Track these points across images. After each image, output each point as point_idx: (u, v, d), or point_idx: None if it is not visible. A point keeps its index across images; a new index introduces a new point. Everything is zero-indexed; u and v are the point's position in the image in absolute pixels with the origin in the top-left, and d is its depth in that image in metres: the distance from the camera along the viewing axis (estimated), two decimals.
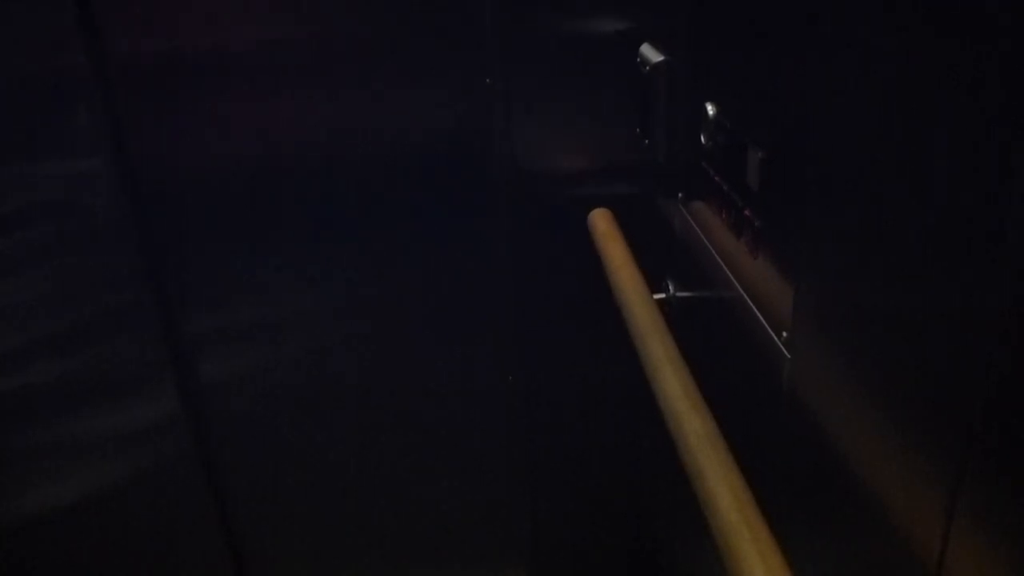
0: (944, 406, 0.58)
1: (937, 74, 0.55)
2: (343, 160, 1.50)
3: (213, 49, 1.39)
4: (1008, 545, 0.53)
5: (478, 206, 1.53)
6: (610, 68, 1.38)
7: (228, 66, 1.40)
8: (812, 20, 0.73)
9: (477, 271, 1.60)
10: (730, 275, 0.98)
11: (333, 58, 1.42)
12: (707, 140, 1.01)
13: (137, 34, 1.36)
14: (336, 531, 1.86)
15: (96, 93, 1.36)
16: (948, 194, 0.55)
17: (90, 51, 1.33)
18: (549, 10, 1.39)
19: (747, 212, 0.91)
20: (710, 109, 0.99)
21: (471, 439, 1.78)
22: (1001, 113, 0.49)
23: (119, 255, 1.50)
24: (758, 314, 0.90)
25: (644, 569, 1.79)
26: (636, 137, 1.33)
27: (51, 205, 1.45)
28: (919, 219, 0.59)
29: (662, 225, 1.29)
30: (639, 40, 1.25)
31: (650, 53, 1.20)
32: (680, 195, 1.19)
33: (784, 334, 0.83)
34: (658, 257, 1.28)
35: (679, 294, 1.24)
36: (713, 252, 1.05)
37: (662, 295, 1.25)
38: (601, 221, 1.29)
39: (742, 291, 0.95)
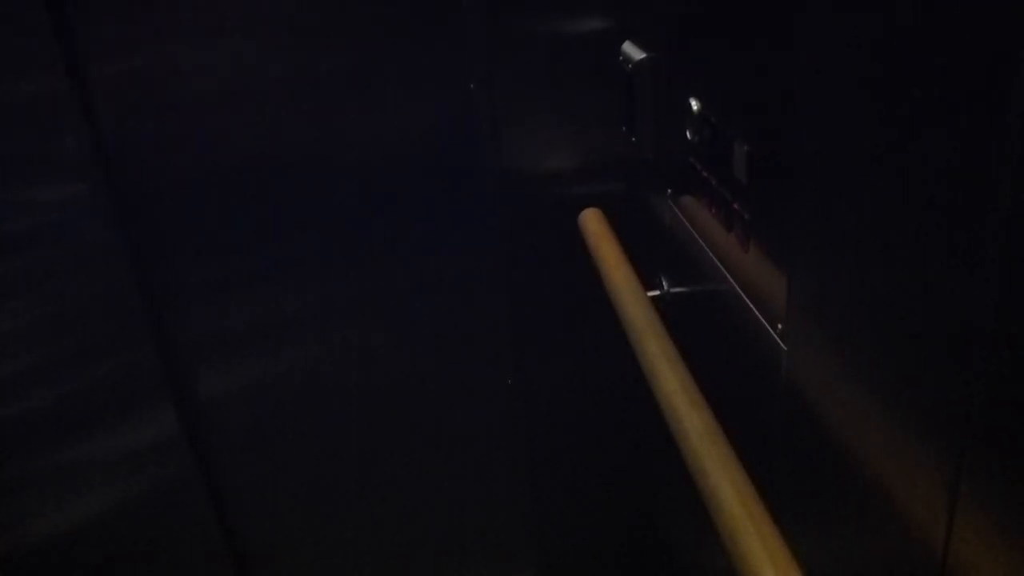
0: (942, 393, 0.58)
1: (924, 63, 0.55)
2: (331, 167, 1.49)
3: (196, 61, 1.39)
4: (1013, 530, 0.52)
5: (468, 209, 1.53)
6: (594, 67, 1.38)
7: (213, 76, 1.40)
8: (794, 10, 0.73)
9: (470, 274, 1.60)
10: (723, 269, 0.98)
11: (319, 63, 1.42)
12: (693, 135, 1.01)
13: (119, 52, 1.35)
14: (339, 537, 1.86)
15: (80, 115, 1.36)
16: (937, 182, 0.55)
17: (72, 73, 1.33)
18: (532, 11, 1.39)
19: (736, 205, 0.91)
20: (694, 104, 0.99)
21: (470, 440, 1.78)
22: (990, 100, 0.49)
23: (110, 277, 1.49)
24: (752, 307, 0.90)
25: (648, 565, 1.79)
26: (623, 135, 1.33)
27: (39, 230, 1.45)
28: (909, 206, 0.59)
29: (653, 222, 1.29)
30: (621, 38, 1.25)
31: (632, 51, 1.20)
32: (669, 191, 1.19)
33: (779, 326, 0.83)
34: (650, 254, 1.28)
35: (673, 290, 1.24)
36: (705, 247, 1.05)
37: (656, 292, 1.25)
38: (592, 220, 1.29)
39: (735, 285, 0.95)
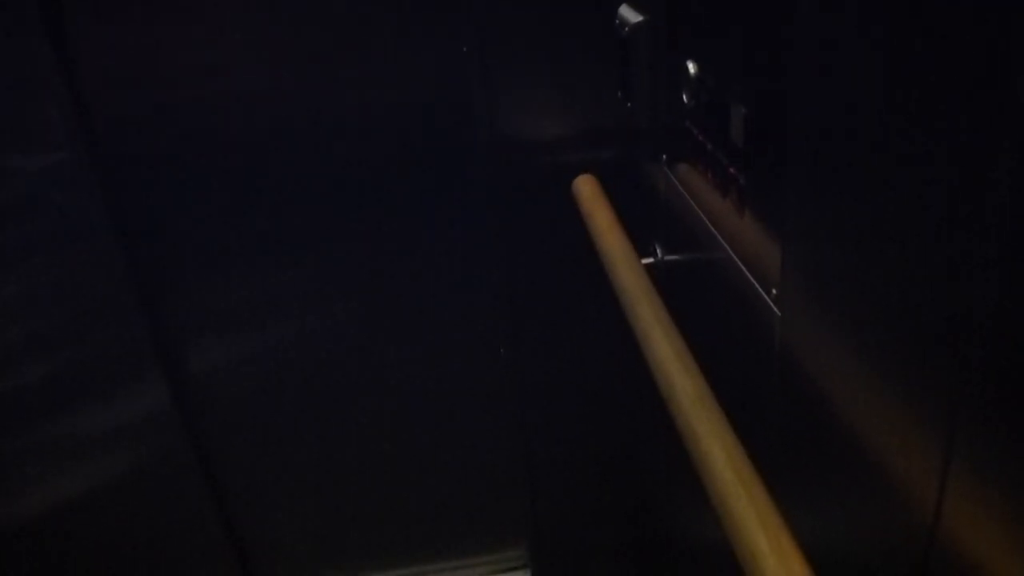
0: (936, 359, 0.57)
1: (929, 25, 0.54)
2: (323, 136, 1.48)
3: (184, 32, 1.37)
4: (1003, 497, 0.52)
5: (461, 177, 1.52)
6: (589, 31, 1.36)
7: (200, 48, 1.38)
8: None
9: (463, 243, 1.59)
10: (717, 235, 0.97)
11: (309, 28, 1.39)
12: (689, 99, 0.99)
13: (104, 21, 1.33)
14: (330, 510, 1.86)
15: (64, 84, 1.34)
16: (935, 147, 0.54)
17: (55, 40, 1.31)
18: None
19: (732, 170, 0.89)
20: (691, 68, 0.97)
21: (464, 410, 1.78)
22: (998, 60, 0.48)
23: (99, 250, 1.48)
24: (747, 272, 0.89)
25: (643, 533, 1.79)
26: (618, 101, 1.32)
27: (23, 200, 1.43)
28: (908, 173, 0.58)
29: (647, 189, 1.28)
30: (617, 1, 1.23)
31: (628, 14, 1.18)
32: (664, 157, 1.17)
33: (774, 291, 0.82)
34: (644, 221, 1.27)
35: (667, 257, 1.23)
36: (699, 213, 1.04)
37: (650, 259, 1.24)
38: (586, 187, 1.27)
39: (730, 250, 0.94)
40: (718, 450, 0.76)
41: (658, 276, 1.20)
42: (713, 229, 0.99)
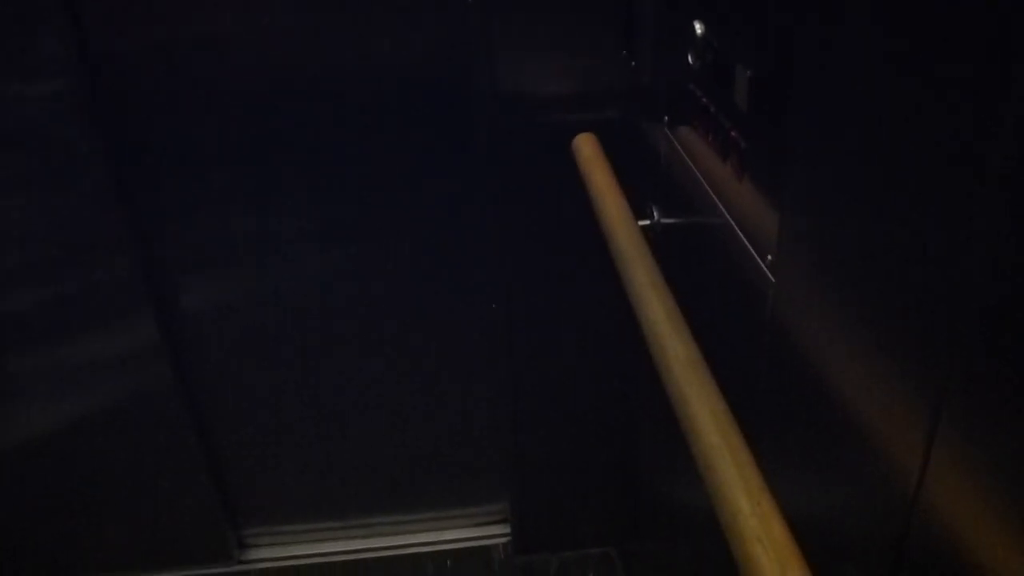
0: (927, 330, 0.57)
1: None
2: (322, 84, 1.46)
3: None
4: (986, 469, 0.53)
5: (460, 131, 1.50)
6: None
7: None
8: None
9: (461, 196, 1.58)
10: (715, 199, 0.97)
11: None
12: (694, 60, 0.98)
13: None
14: (314, 453, 1.87)
15: (64, 11, 1.32)
16: (939, 118, 0.54)
17: None
18: None
19: (733, 134, 0.89)
20: (698, 28, 0.96)
21: (454, 367, 1.78)
22: (1000, 30, 0.47)
23: (92, 182, 1.47)
24: (743, 238, 0.89)
25: (625, 493, 1.81)
26: (622, 59, 1.30)
27: (17, 126, 1.41)
28: (907, 137, 0.58)
29: (647, 150, 1.27)
30: None
31: None
32: (666, 119, 1.17)
33: (769, 257, 0.82)
34: (643, 183, 1.26)
35: (664, 220, 1.22)
36: (698, 176, 1.03)
37: (647, 221, 1.24)
38: (586, 146, 1.26)
39: (727, 215, 0.93)
40: (705, 412, 0.76)
41: (654, 238, 1.20)
42: (711, 193, 0.99)
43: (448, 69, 1.46)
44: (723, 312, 0.99)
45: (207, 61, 1.42)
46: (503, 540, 1.98)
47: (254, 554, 1.98)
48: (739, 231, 0.90)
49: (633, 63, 1.29)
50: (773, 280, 0.82)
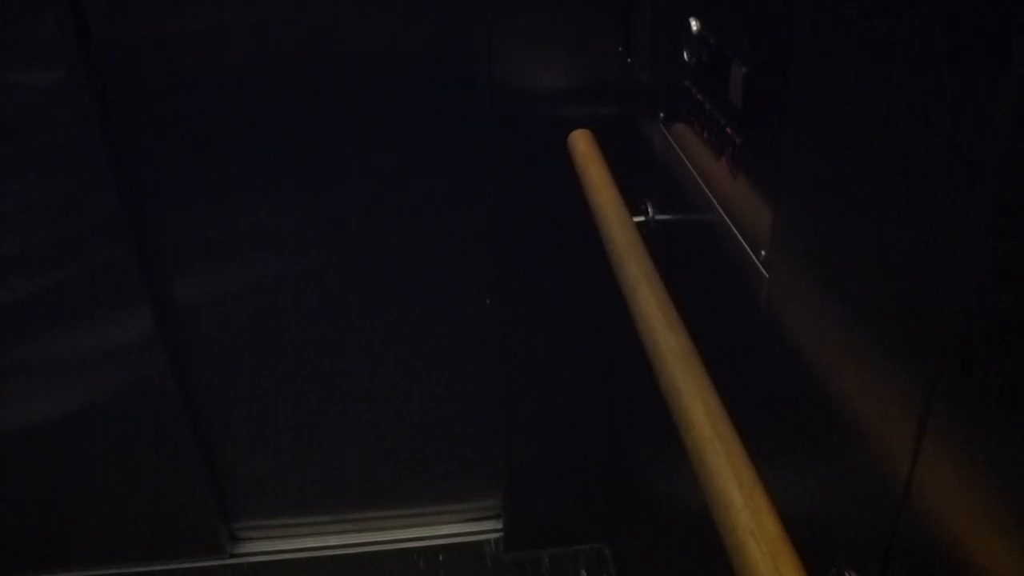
0: (918, 326, 0.58)
1: None
2: (319, 75, 1.46)
3: None
4: (976, 463, 0.53)
5: (458, 124, 1.51)
6: None
7: None
8: None
9: (457, 189, 1.58)
10: (710, 195, 0.98)
11: None
12: (690, 57, 0.99)
13: None
14: (307, 445, 1.87)
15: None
16: (933, 115, 0.54)
17: None
18: None
19: (729, 130, 0.89)
20: (694, 25, 0.97)
21: (448, 361, 1.78)
22: (997, 27, 0.48)
23: (90, 171, 1.46)
24: (737, 234, 0.89)
25: (618, 488, 1.82)
26: (619, 55, 1.30)
27: (15, 115, 1.41)
28: (901, 135, 0.58)
29: (643, 146, 1.28)
30: None
31: None
32: (661, 115, 1.17)
33: (763, 253, 0.82)
34: (638, 179, 1.27)
35: (658, 216, 1.23)
36: (693, 172, 1.04)
37: (641, 218, 1.24)
38: (581, 142, 1.27)
39: (721, 211, 0.94)
40: (698, 405, 0.76)
41: (648, 234, 1.20)
42: (706, 189, 0.99)
43: (446, 64, 1.46)
44: (717, 308, 0.99)
45: (205, 53, 1.42)
46: (495, 536, 1.98)
47: (246, 547, 1.98)
48: (733, 227, 0.90)
49: (630, 59, 1.29)
50: (767, 276, 0.82)
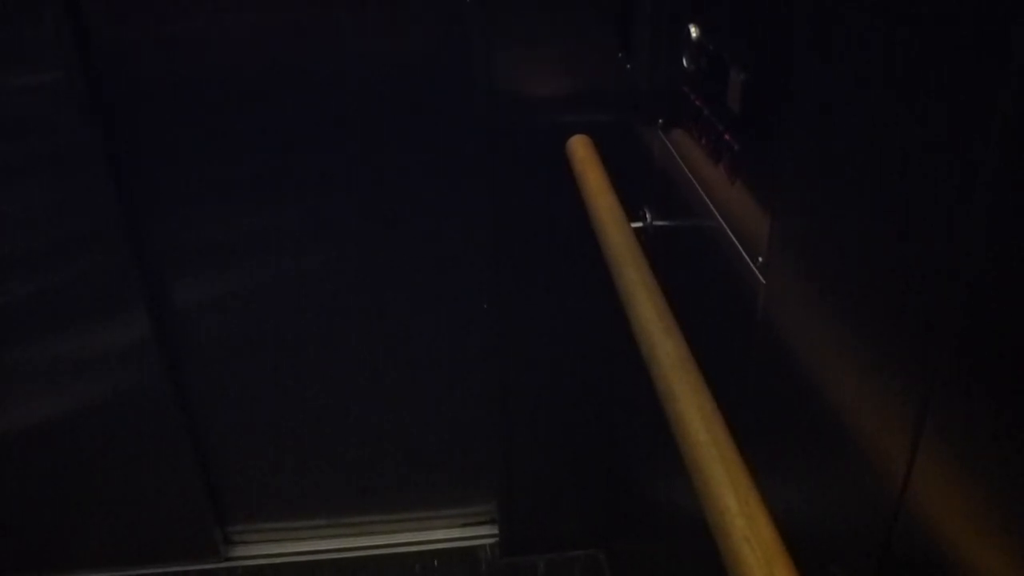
0: (915, 332, 0.58)
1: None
2: (317, 80, 1.46)
3: None
4: (971, 470, 0.53)
5: (457, 130, 1.51)
6: None
7: None
8: None
9: (454, 196, 1.58)
10: (707, 201, 0.98)
11: None
12: (689, 63, 0.99)
13: None
14: (304, 448, 1.87)
15: (62, 1, 1.32)
16: (931, 124, 0.55)
17: None
18: None
19: (727, 136, 0.89)
20: (693, 31, 0.97)
21: (445, 366, 1.78)
22: (995, 30, 0.48)
23: (87, 175, 1.46)
24: (734, 240, 0.89)
25: (614, 494, 1.81)
26: (618, 62, 1.31)
27: (12, 117, 1.41)
28: (898, 141, 0.58)
29: (641, 152, 1.28)
30: None
31: None
32: (660, 121, 1.17)
33: (760, 259, 0.83)
34: (636, 185, 1.27)
35: (656, 223, 1.23)
36: (691, 179, 1.04)
37: (639, 224, 1.24)
38: (580, 148, 1.27)
39: (719, 217, 0.94)
40: (694, 411, 0.76)
41: (646, 240, 1.21)
42: (704, 195, 0.99)
43: (445, 70, 1.46)
44: (714, 313, 0.99)
45: (204, 55, 1.42)
46: (490, 541, 1.98)
47: (241, 551, 1.97)
48: (731, 233, 0.91)
49: (628, 66, 1.29)
50: (764, 282, 0.82)
